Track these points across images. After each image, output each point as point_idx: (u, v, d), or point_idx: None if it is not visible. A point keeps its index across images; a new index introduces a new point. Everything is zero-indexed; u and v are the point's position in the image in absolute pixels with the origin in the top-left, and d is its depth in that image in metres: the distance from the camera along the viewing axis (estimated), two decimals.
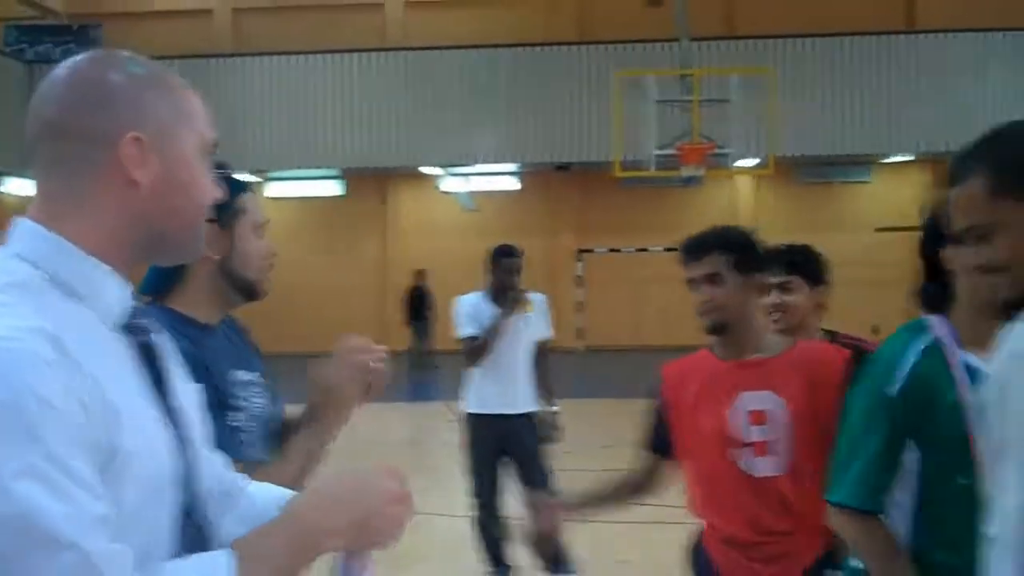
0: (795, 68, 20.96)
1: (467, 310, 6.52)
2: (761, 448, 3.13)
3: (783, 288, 3.76)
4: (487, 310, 6.48)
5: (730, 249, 3.16)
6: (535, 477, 6.37)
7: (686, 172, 17.18)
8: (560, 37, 22.88)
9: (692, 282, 3.18)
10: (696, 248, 3.19)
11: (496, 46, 21.81)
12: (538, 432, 6.60)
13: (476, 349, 6.45)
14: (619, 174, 18.28)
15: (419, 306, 21.12)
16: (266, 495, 1.70)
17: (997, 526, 1.72)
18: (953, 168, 1.93)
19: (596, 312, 24.35)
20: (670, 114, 18.02)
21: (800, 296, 3.77)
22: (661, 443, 3.36)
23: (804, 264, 3.84)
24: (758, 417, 3.14)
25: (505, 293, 6.48)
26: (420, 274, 21.54)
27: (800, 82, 20.98)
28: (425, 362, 20.45)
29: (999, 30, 21.02)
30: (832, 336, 3.78)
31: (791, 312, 3.75)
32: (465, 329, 6.48)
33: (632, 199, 23.71)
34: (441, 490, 8.95)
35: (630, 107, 18.11)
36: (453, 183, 24.15)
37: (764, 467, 3.13)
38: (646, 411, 3.44)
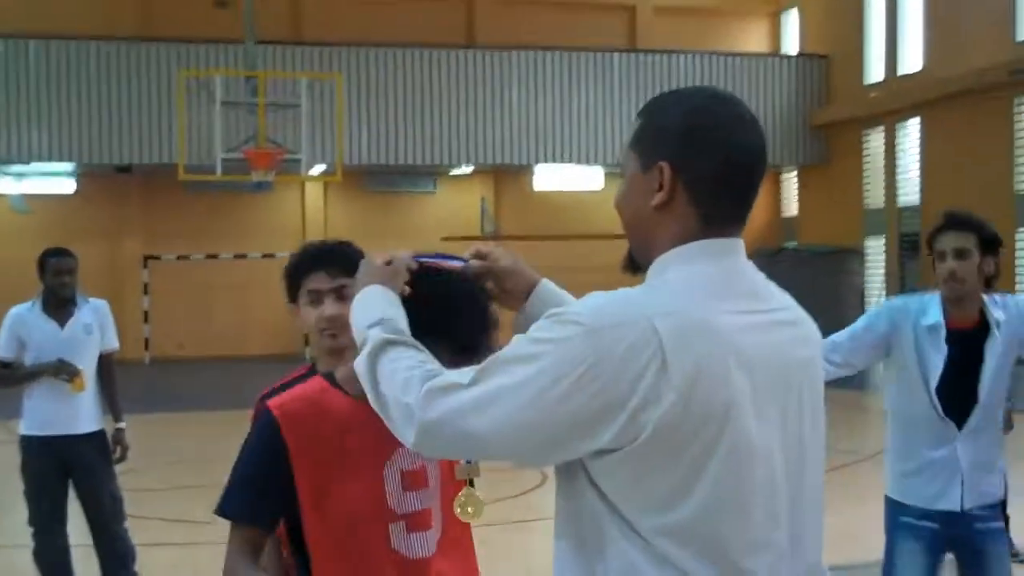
0: (362, 76, 21.29)
1: (11, 324, 6.00)
2: (417, 521, 2.33)
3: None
4: (38, 321, 5.99)
5: None
6: (103, 501, 5.96)
7: (256, 177, 16.95)
8: (119, 31, 21.77)
9: None
10: None
11: (47, 37, 20.48)
12: (104, 452, 6.08)
13: (4, 379, 6.02)
14: (183, 177, 17.75)
15: None
16: None
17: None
18: None
19: (162, 321, 23.43)
20: (238, 118, 17.71)
21: None
22: (268, 509, 2.30)
23: None
24: (414, 479, 2.33)
25: (57, 298, 6.01)
26: None
27: (367, 91, 21.34)
28: None
29: (552, 49, 22.45)
30: None
31: None
32: (2, 349, 5.96)
33: (201, 204, 23.05)
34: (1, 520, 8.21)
35: (196, 108, 17.61)
36: (4, 184, 22.37)
37: (421, 545, 2.33)
38: (246, 461, 2.32)
